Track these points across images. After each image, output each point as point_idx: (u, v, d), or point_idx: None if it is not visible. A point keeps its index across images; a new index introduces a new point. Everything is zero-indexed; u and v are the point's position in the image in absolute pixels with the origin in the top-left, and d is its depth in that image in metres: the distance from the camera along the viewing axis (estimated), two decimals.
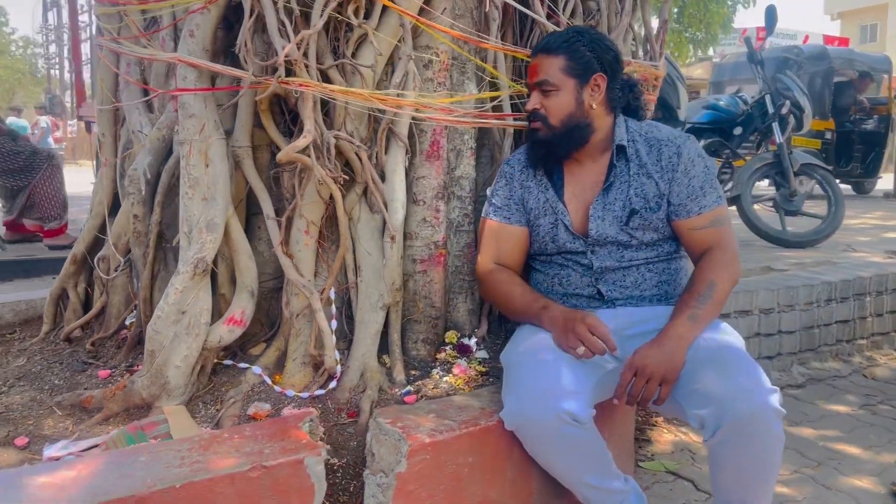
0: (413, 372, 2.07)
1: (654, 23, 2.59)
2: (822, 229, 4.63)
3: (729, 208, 2.62)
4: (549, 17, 2.17)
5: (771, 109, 4.70)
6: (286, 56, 1.69)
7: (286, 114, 2.00)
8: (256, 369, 2.00)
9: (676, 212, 1.81)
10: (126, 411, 1.90)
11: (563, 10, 2.18)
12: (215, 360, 2.00)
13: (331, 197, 1.97)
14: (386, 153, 1.98)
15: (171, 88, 1.93)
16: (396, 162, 1.98)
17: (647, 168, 1.82)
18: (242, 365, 2.04)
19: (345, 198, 1.99)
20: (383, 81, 2.00)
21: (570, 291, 1.92)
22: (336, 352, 2.00)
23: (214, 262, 1.91)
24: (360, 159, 1.94)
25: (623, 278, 1.86)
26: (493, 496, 1.75)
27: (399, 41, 1.95)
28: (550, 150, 1.86)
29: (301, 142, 1.71)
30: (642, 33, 2.50)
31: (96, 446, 1.74)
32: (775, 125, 4.63)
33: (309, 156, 1.79)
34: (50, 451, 1.74)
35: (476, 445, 1.69)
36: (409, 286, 2.14)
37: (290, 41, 1.69)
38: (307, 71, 1.77)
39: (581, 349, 1.63)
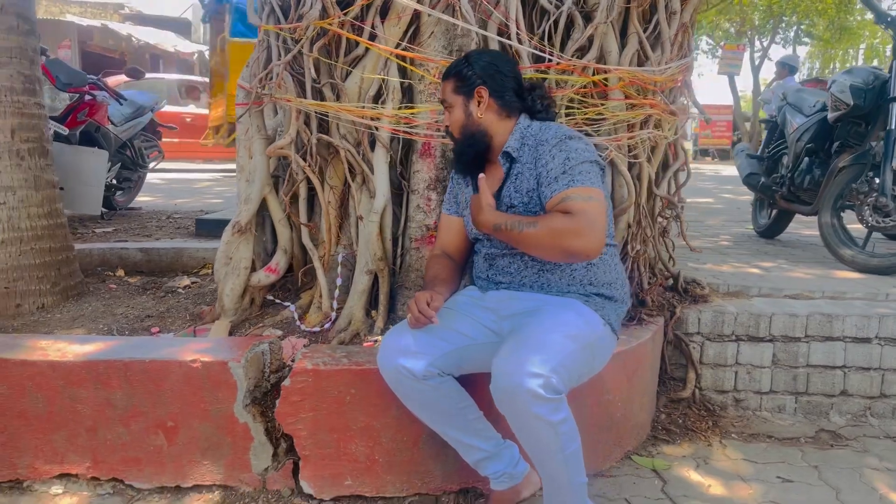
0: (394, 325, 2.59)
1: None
2: None
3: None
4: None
5: (894, 85, 3.63)
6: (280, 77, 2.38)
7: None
8: (292, 307, 2.75)
9: (542, 200, 1.99)
10: (213, 321, 2.82)
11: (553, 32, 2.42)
12: (265, 297, 2.80)
13: (345, 182, 2.60)
14: (372, 152, 2.52)
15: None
16: (380, 160, 2.51)
17: (527, 167, 2.04)
18: (286, 304, 2.80)
19: (352, 185, 2.60)
20: (381, 94, 2.54)
21: (477, 274, 2.25)
22: (335, 302, 2.63)
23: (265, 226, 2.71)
24: (353, 156, 2.52)
25: (508, 265, 2.13)
26: (375, 425, 2.22)
27: (385, 64, 2.47)
28: (461, 157, 2.18)
29: (281, 142, 2.39)
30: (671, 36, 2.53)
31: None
32: (894, 106, 3.58)
33: (305, 155, 2.46)
34: (163, 335, 2.74)
35: (357, 381, 2.19)
36: (406, 259, 2.65)
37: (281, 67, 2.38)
38: (301, 89, 2.43)
39: (409, 317, 2.02)
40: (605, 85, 2.49)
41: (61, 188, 5.54)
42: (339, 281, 2.65)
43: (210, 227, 5.18)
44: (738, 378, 2.98)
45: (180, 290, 3.35)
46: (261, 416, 2.27)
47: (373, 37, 2.47)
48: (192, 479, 2.27)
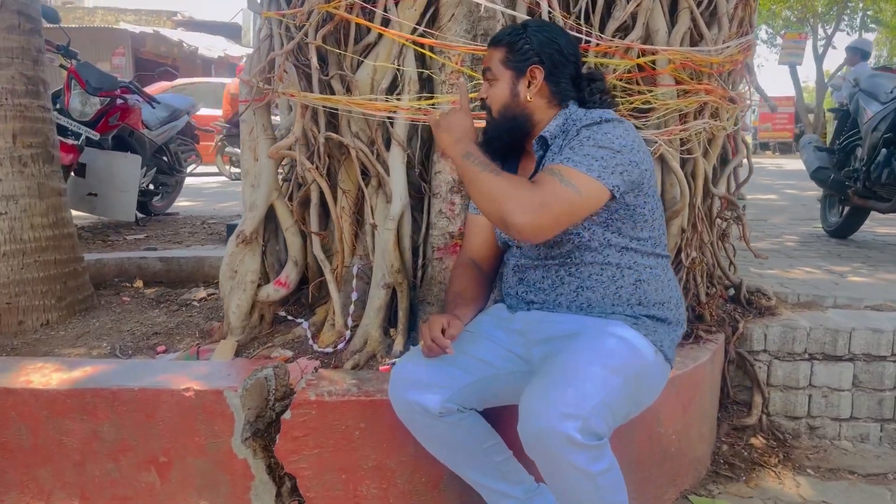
0: (413, 347, 2.31)
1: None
2: None
3: None
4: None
5: None
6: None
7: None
8: (305, 324, 2.49)
9: None
10: (220, 340, 2.58)
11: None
12: (275, 313, 2.55)
13: (359, 185, 2.33)
14: (388, 151, 2.24)
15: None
16: (396, 160, 2.22)
17: (557, 156, 1.74)
18: (298, 320, 2.54)
19: (365, 189, 2.33)
20: (396, 86, 2.26)
21: (506, 290, 1.94)
22: (349, 319, 2.36)
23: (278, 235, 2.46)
24: (366, 156, 2.25)
25: (541, 280, 1.82)
26: (389, 464, 1.94)
27: (400, 52, 2.19)
28: (493, 140, 1.87)
29: (285, 142, 2.13)
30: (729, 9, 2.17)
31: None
32: None
33: (313, 156, 2.19)
34: (168, 355, 2.52)
35: (367, 413, 1.91)
36: (428, 271, 2.36)
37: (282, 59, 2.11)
38: (307, 82, 2.16)
39: (421, 344, 1.73)
40: (653, 69, 2.15)
41: (94, 194, 5.53)
42: (354, 296, 2.38)
43: None
44: (812, 402, 2.60)
45: (195, 303, 3.13)
46: (262, 451, 2.01)
47: (386, 22, 2.19)
48: None
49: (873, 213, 4.55)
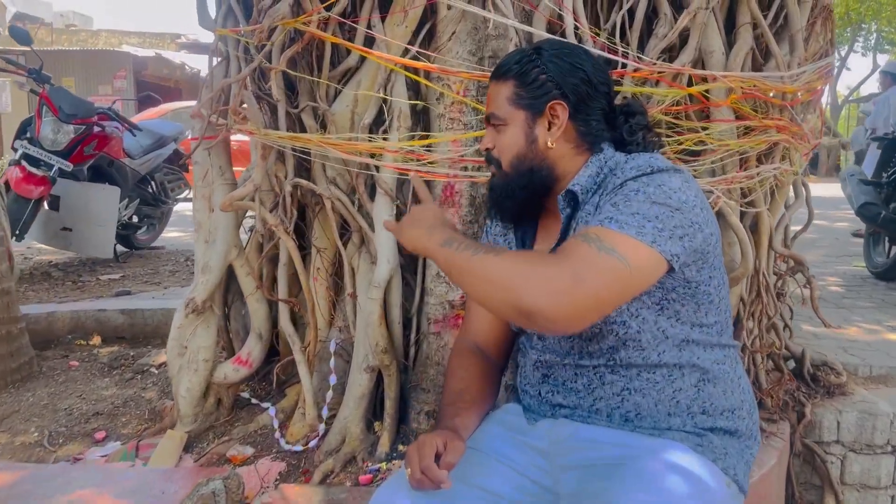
0: (403, 447, 1.83)
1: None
2: None
3: None
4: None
5: None
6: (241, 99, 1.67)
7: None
8: (272, 411, 2.02)
9: None
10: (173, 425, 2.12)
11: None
12: (237, 394, 2.08)
13: (337, 244, 1.88)
14: (372, 202, 1.79)
15: None
16: (383, 212, 1.77)
17: (592, 210, 1.29)
18: (264, 404, 2.08)
19: (345, 247, 1.87)
20: (382, 121, 1.81)
21: (523, 385, 1.47)
22: (325, 408, 1.90)
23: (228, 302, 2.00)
24: (345, 207, 1.79)
25: (573, 379, 1.35)
26: None
27: (388, 79, 1.74)
28: (505, 200, 1.43)
29: (241, 191, 1.68)
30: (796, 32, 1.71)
31: (107, 456, 1.99)
32: None
33: (276, 206, 1.74)
34: (90, 454, 2.05)
35: None
36: (423, 349, 1.90)
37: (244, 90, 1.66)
38: (273, 115, 1.71)
39: (407, 473, 1.25)
40: (708, 99, 1.69)
41: (69, 229, 5.10)
42: (331, 379, 1.92)
43: None
44: None
45: (153, 370, 2.67)
46: None
47: (370, 41, 1.75)
48: None
49: None
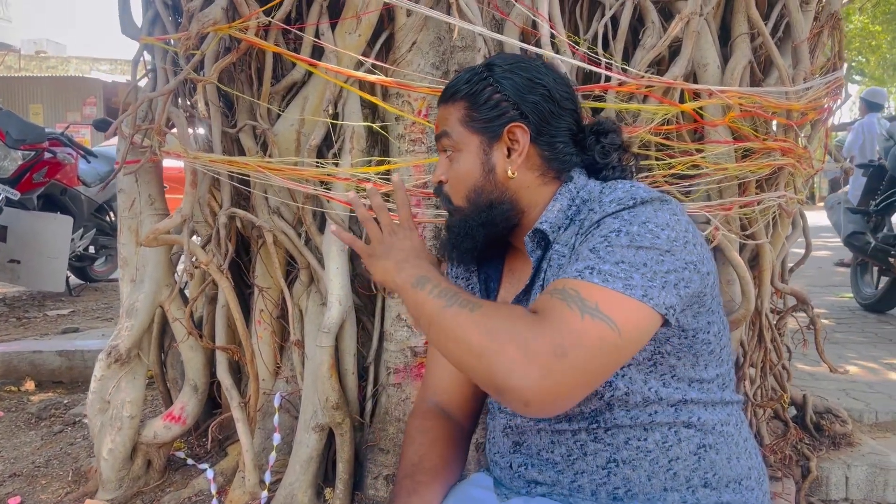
0: None
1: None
2: None
3: None
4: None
5: None
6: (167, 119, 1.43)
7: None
8: (209, 473, 1.76)
9: None
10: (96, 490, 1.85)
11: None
12: (169, 454, 1.82)
13: (284, 279, 1.64)
14: (322, 235, 1.56)
15: None
16: (333, 247, 1.53)
17: (567, 249, 1.08)
18: (201, 465, 1.82)
19: (291, 287, 1.63)
20: (331, 143, 1.58)
21: (493, 456, 1.24)
22: (267, 474, 1.64)
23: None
24: (291, 242, 1.56)
25: (549, 448, 1.11)
26: None
27: (339, 95, 1.52)
28: (463, 240, 1.20)
29: (165, 223, 1.43)
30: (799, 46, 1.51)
31: None
32: None
33: (209, 241, 1.49)
34: None
35: None
36: (381, 403, 1.66)
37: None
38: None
39: None
40: (702, 117, 1.49)
41: (17, 261, 4.80)
42: (276, 438, 1.66)
43: None
44: None
45: (85, 421, 2.39)
46: None
47: (319, 52, 1.53)
48: None
49: None
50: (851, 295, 4.47)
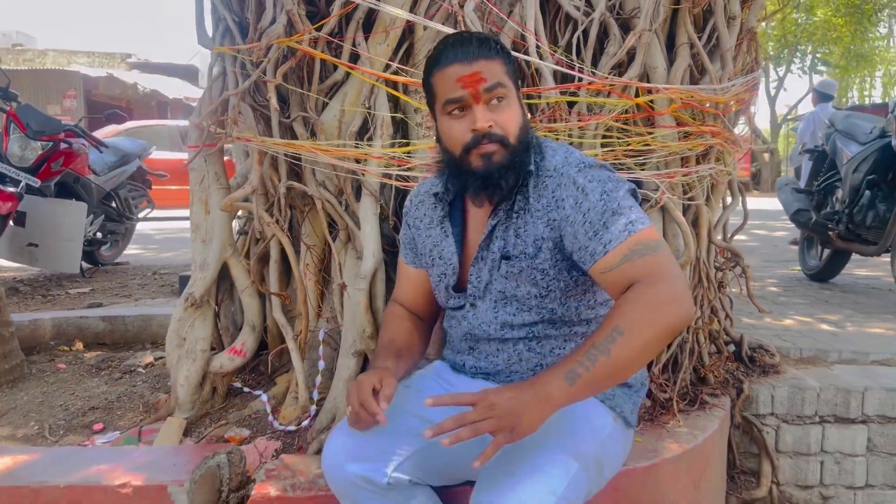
0: None
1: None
2: None
3: None
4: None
5: None
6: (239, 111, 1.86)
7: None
8: (264, 397, 2.19)
9: (583, 259, 1.37)
10: (166, 417, 2.26)
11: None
12: (230, 384, 2.25)
13: (325, 240, 2.07)
14: (358, 202, 1.99)
15: None
16: (367, 211, 1.97)
17: (537, 206, 1.44)
18: (256, 392, 2.25)
19: (332, 244, 2.06)
20: (367, 129, 2.01)
21: (449, 352, 1.66)
22: (315, 392, 2.08)
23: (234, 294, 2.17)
24: (333, 208, 1.99)
25: (496, 353, 1.54)
26: None
27: (371, 92, 1.95)
28: (505, 175, 1.42)
29: (240, 192, 1.86)
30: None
31: (109, 442, 2.14)
32: None
33: (273, 208, 1.92)
34: (98, 439, 2.19)
35: None
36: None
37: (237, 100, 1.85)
38: (266, 125, 1.90)
39: (347, 412, 1.43)
40: (652, 109, 1.95)
41: (35, 245, 5.15)
42: (320, 365, 2.10)
43: None
44: (824, 469, 2.39)
45: (140, 370, 2.80)
46: None
47: (355, 58, 1.96)
48: None
49: (853, 256, 4.43)
50: (800, 268, 4.98)
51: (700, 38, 1.99)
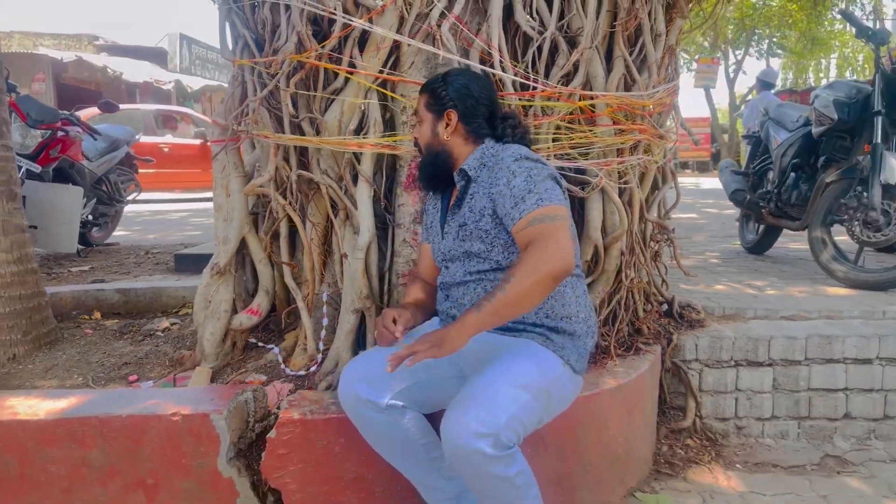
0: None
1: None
2: None
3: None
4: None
5: (879, 99, 3.63)
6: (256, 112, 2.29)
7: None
8: (276, 350, 2.64)
9: (506, 222, 1.86)
10: (193, 367, 2.70)
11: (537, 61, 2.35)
12: (247, 340, 2.69)
13: (327, 218, 2.52)
14: (355, 186, 2.43)
15: None
16: (363, 195, 2.41)
17: (482, 186, 1.96)
18: (269, 346, 2.69)
19: (334, 221, 2.51)
20: (362, 128, 2.45)
21: (438, 306, 2.14)
22: (321, 343, 2.53)
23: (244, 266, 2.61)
24: (335, 192, 2.43)
25: (462, 296, 2.02)
26: (367, 476, 2.12)
27: (365, 96, 2.39)
28: (422, 172, 2.12)
29: (259, 180, 2.30)
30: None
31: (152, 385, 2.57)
32: (879, 119, 3.59)
33: (285, 192, 2.36)
34: (142, 384, 2.62)
35: (346, 429, 2.07)
36: (394, 296, 2.55)
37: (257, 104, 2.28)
38: (279, 124, 2.34)
39: (375, 333, 1.95)
40: (593, 111, 2.42)
41: (34, 227, 5.48)
42: (324, 321, 2.55)
43: (190, 263, 5.06)
44: (738, 405, 2.90)
45: (159, 333, 3.22)
46: (246, 470, 2.16)
47: (351, 69, 2.39)
48: None
49: (786, 231, 4.97)
50: (739, 242, 5.53)
51: (631, 53, 2.46)
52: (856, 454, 2.78)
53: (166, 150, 12.64)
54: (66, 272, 5.08)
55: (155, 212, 10.81)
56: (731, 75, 24.79)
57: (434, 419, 1.99)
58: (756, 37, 23.92)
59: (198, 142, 12.91)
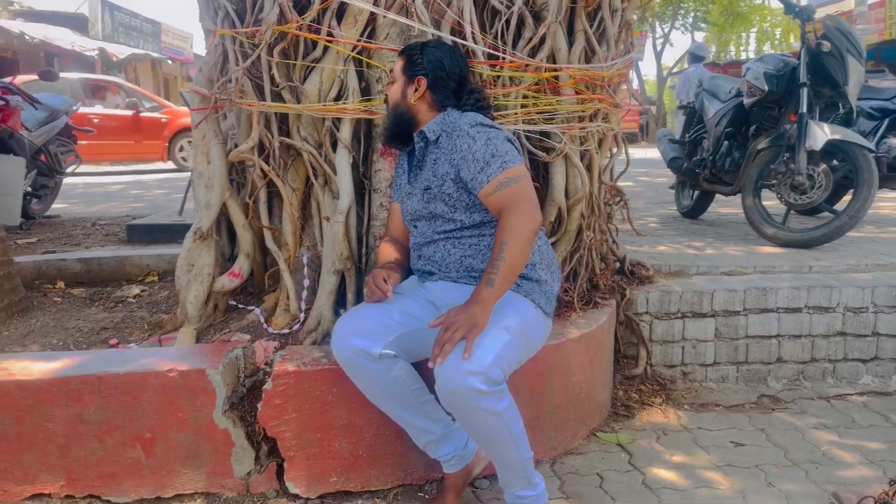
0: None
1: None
2: (835, 225, 3.85)
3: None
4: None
5: (804, 72, 3.97)
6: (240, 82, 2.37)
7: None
8: (256, 311, 2.75)
9: (473, 186, 2.04)
10: (175, 329, 2.78)
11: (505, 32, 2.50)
12: (227, 302, 2.79)
13: (306, 184, 2.63)
14: (335, 153, 2.55)
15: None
16: (342, 160, 2.54)
17: (444, 153, 2.13)
18: (250, 307, 2.80)
19: (315, 186, 2.62)
20: (341, 96, 2.57)
21: (412, 265, 2.32)
22: (303, 303, 2.65)
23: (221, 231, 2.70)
24: (315, 158, 2.54)
25: (433, 253, 2.21)
26: (358, 422, 2.27)
27: (344, 65, 2.50)
28: (386, 129, 2.27)
29: (244, 147, 2.39)
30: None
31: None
32: (804, 91, 3.93)
33: (268, 159, 2.46)
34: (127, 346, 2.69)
35: (337, 379, 2.22)
36: (371, 258, 2.69)
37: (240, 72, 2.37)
38: (259, 93, 2.43)
39: (365, 291, 2.12)
40: (557, 82, 2.59)
41: None
42: (306, 282, 2.67)
43: (142, 233, 5.06)
44: (685, 352, 3.17)
45: (131, 300, 3.28)
46: (240, 421, 2.28)
47: (331, 38, 2.50)
48: (173, 489, 2.27)
49: (718, 196, 5.30)
50: (675, 207, 5.85)
51: (591, 27, 2.65)
52: (787, 393, 3.10)
53: (96, 120, 12.27)
54: (13, 244, 5.00)
55: (90, 184, 10.54)
56: (658, 48, 25.46)
57: (420, 368, 2.16)
58: (682, 11, 24.63)
59: (129, 112, 12.59)
